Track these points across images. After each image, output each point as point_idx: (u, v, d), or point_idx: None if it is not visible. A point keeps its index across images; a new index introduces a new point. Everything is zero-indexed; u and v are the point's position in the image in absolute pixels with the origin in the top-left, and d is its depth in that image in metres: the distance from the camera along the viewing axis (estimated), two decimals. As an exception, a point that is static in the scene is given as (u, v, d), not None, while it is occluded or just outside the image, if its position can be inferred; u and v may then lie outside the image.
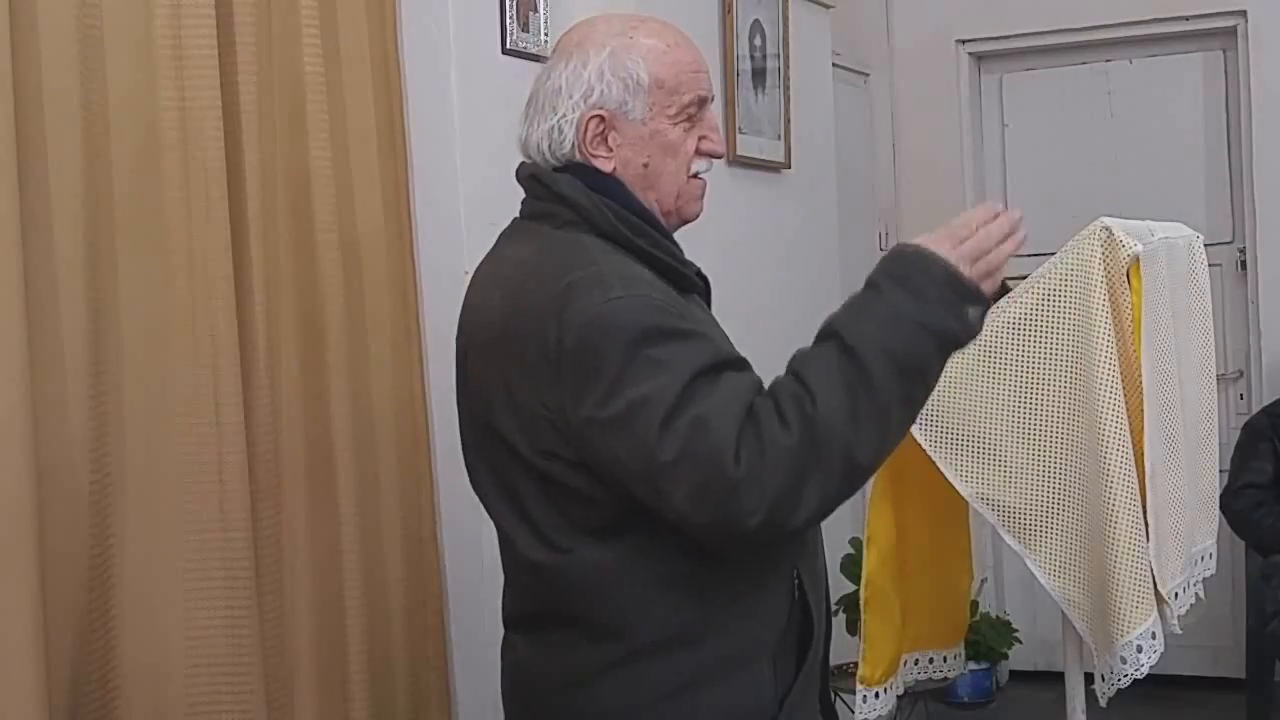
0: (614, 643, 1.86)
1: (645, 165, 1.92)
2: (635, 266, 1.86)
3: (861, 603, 2.57)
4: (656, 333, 1.75)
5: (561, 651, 1.92)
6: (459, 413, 1.99)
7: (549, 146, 1.93)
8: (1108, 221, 2.40)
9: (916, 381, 1.76)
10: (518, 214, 2.00)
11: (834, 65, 4.94)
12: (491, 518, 1.97)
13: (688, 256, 2.00)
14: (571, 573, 1.86)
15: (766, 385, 1.80)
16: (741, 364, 1.81)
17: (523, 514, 1.89)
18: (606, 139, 1.91)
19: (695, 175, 1.97)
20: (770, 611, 1.89)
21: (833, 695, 2.15)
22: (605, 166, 1.92)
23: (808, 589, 1.93)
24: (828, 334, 1.78)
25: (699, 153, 1.96)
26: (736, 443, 1.69)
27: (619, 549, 1.84)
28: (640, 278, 1.82)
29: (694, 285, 1.96)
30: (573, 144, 1.91)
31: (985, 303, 1.79)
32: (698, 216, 2.01)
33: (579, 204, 1.89)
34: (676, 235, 2.01)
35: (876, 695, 2.59)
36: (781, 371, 1.79)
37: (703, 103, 1.95)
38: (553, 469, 1.83)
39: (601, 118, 1.90)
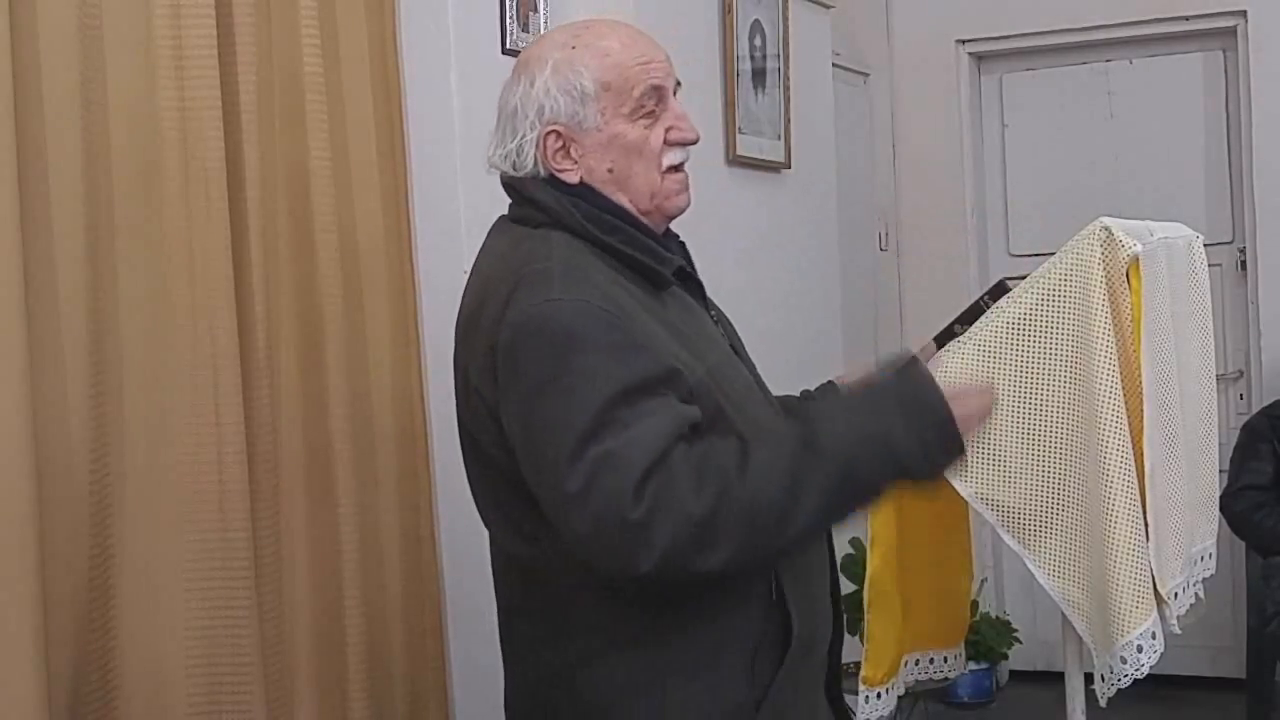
0: (583, 638, 1.87)
1: (610, 170, 1.92)
2: (597, 264, 1.86)
3: (865, 603, 2.56)
4: (585, 341, 1.74)
5: (532, 647, 1.94)
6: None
7: (511, 166, 1.95)
8: (1108, 221, 2.40)
9: (862, 497, 1.81)
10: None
11: (834, 65, 4.94)
12: (478, 510, 1.98)
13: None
14: (540, 564, 1.87)
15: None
16: (670, 384, 1.78)
17: (498, 505, 1.91)
18: (569, 151, 1.92)
19: (672, 169, 1.95)
20: (739, 613, 1.88)
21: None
22: (571, 178, 1.93)
23: (787, 591, 1.91)
24: (807, 420, 1.81)
25: (668, 144, 1.94)
26: (641, 485, 1.68)
27: None
28: (591, 278, 1.82)
29: (667, 281, 1.94)
30: (535, 161, 1.93)
31: (961, 459, 1.85)
32: (684, 210, 2.00)
33: (548, 205, 1.91)
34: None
35: (879, 695, 2.59)
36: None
37: (659, 93, 1.93)
38: (510, 463, 1.84)
39: (558, 132, 1.91)
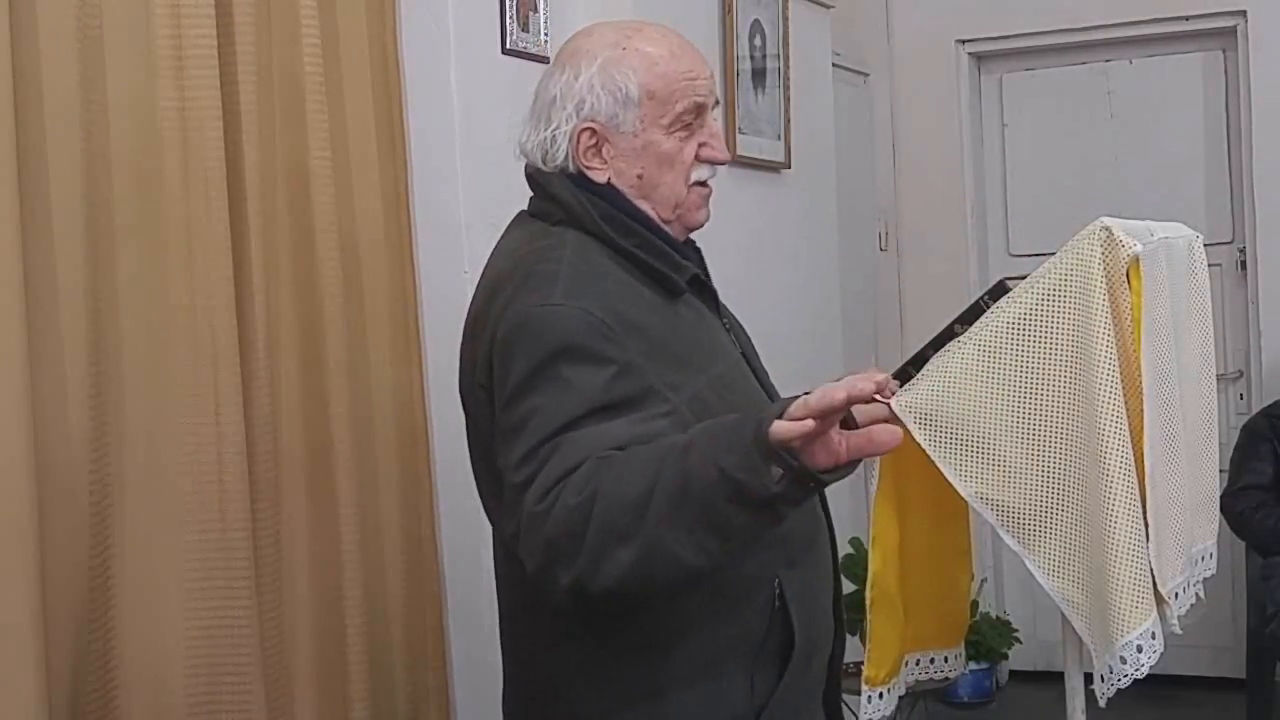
0: (583, 645, 1.87)
1: (640, 177, 1.93)
2: (610, 267, 1.86)
3: (868, 603, 2.56)
4: (576, 351, 1.75)
5: (532, 652, 1.94)
6: None
7: (542, 156, 1.95)
8: (1108, 221, 2.40)
9: (697, 511, 1.60)
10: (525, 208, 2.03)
11: (834, 65, 4.94)
12: (482, 504, 1.99)
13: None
14: None
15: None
16: (644, 406, 1.75)
17: (499, 499, 1.90)
18: (600, 150, 1.92)
19: (698, 183, 1.96)
20: (740, 622, 1.88)
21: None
22: (599, 178, 1.93)
23: (790, 600, 1.90)
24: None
25: (699, 160, 1.95)
26: (555, 484, 1.68)
27: None
28: (598, 284, 1.82)
29: (681, 289, 1.94)
30: (566, 154, 1.93)
31: (790, 465, 1.59)
32: (703, 224, 2.01)
33: (567, 203, 1.91)
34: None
35: (880, 695, 2.59)
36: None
37: (700, 110, 1.94)
38: None
39: (593, 130, 1.91)
